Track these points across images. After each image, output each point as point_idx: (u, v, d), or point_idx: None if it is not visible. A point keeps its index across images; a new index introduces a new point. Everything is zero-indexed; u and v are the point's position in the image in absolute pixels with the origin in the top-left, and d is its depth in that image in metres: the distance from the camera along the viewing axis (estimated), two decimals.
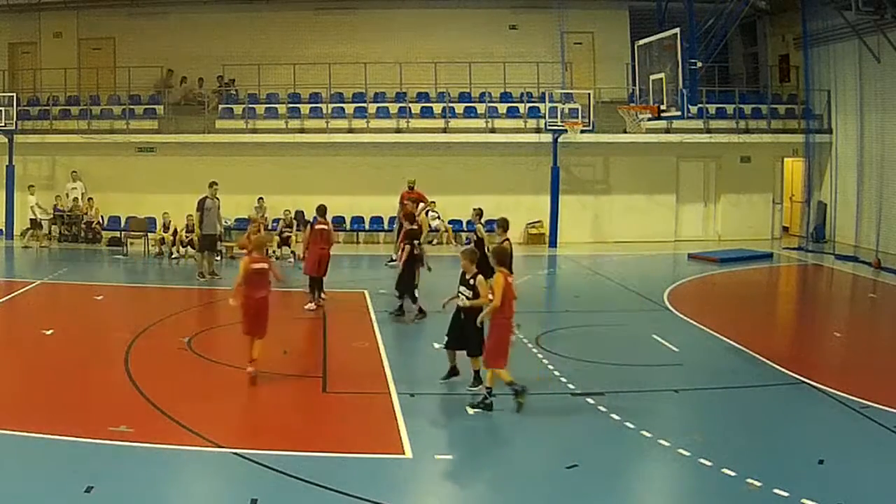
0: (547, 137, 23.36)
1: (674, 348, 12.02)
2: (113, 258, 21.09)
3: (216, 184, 17.88)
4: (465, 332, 9.61)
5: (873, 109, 21.96)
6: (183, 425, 8.37)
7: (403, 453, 7.92)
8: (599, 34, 26.16)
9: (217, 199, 17.84)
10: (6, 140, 22.97)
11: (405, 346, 12.54)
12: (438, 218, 22.23)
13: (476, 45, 25.09)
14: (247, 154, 23.64)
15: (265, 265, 10.27)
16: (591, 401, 9.49)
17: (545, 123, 23.13)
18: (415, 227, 14.19)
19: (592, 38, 26.27)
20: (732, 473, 7.34)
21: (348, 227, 24.10)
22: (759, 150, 24.57)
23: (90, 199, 23.46)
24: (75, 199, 23.29)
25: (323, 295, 14.74)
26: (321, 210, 15.08)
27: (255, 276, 10.09)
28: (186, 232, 20.53)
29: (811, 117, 24.13)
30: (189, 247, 20.35)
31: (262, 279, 10.17)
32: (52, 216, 23.41)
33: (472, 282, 9.52)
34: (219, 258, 19.56)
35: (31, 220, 22.64)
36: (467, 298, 9.54)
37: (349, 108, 24.36)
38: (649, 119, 18.03)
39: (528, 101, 24.41)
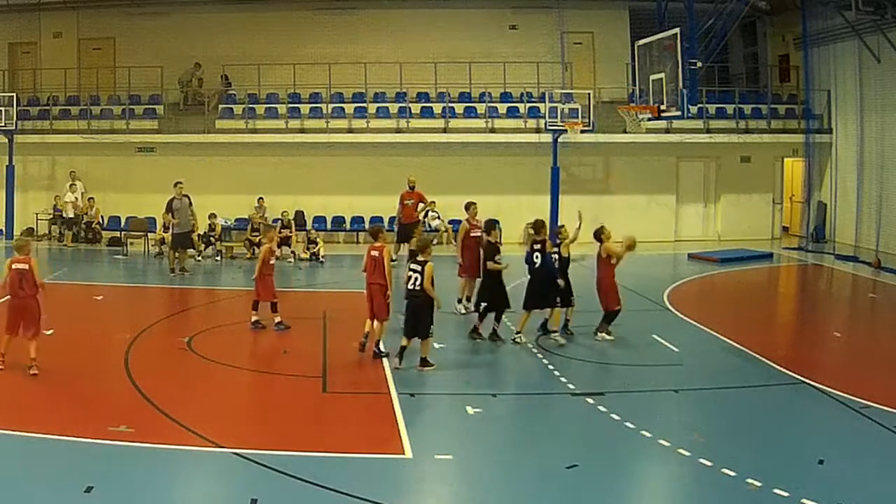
0: (547, 137, 23.33)
1: (674, 348, 12.02)
2: (113, 258, 21.07)
3: (181, 183, 18.35)
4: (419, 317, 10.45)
5: (873, 109, 21.93)
6: (183, 425, 8.37)
7: (403, 453, 7.91)
8: (599, 34, 26.11)
9: (186, 197, 18.21)
10: (6, 140, 22.94)
11: None
12: (438, 218, 22.23)
13: (476, 45, 25.04)
14: (247, 154, 23.63)
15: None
16: (591, 401, 9.49)
17: (545, 123, 23.08)
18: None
19: (592, 38, 26.24)
20: (732, 473, 7.33)
21: (348, 226, 24.10)
22: (759, 150, 24.55)
23: (91, 199, 23.44)
24: (74, 199, 23.28)
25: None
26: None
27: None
28: (163, 231, 20.71)
29: (811, 117, 24.11)
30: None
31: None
32: (59, 217, 23.52)
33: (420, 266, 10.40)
34: (200, 258, 20.12)
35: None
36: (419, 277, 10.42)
37: (349, 108, 24.33)
38: (649, 119, 18.03)
39: (528, 101, 24.38)
